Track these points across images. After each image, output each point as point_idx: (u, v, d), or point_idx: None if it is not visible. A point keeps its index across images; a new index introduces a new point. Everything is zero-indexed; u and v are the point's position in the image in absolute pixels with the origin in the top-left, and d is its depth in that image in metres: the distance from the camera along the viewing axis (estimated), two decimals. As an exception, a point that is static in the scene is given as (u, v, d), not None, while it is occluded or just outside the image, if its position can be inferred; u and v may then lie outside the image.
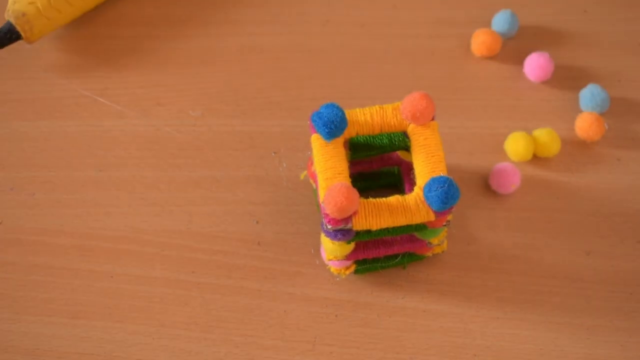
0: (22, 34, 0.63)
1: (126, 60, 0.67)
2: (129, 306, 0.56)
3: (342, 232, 0.51)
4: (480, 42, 0.65)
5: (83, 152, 0.63)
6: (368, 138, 0.55)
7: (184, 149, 0.63)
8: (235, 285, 0.57)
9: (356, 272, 0.57)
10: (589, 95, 0.63)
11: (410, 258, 0.57)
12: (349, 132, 0.54)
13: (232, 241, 0.59)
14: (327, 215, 0.51)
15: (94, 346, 0.55)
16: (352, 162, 0.55)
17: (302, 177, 0.60)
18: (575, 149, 0.62)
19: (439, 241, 0.55)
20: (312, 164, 0.57)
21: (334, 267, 0.56)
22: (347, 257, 0.55)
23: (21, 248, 0.59)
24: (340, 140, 0.53)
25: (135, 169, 0.62)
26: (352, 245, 0.54)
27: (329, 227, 0.51)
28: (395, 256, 0.56)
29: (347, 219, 0.51)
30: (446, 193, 0.50)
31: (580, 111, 0.63)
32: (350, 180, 0.52)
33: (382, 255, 0.55)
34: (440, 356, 0.54)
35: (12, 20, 0.63)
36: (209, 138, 0.63)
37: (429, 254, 0.57)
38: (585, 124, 0.62)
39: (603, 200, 0.60)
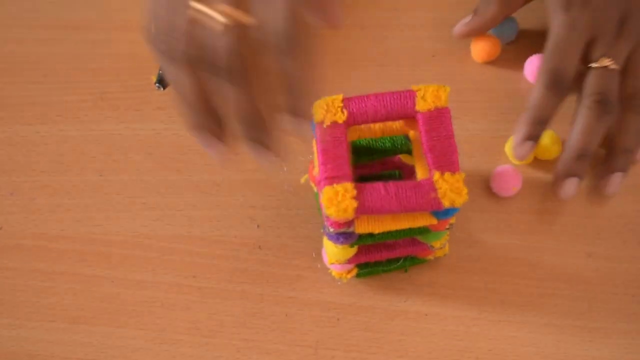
0: None
1: (125, 64, 0.66)
2: (130, 311, 0.56)
3: (344, 235, 0.51)
4: (480, 48, 0.65)
5: (83, 157, 0.62)
6: (370, 141, 0.55)
7: (184, 152, 0.62)
8: (236, 289, 0.57)
9: (358, 275, 0.56)
10: (590, 97, 0.63)
11: (412, 261, 0.56)
12: (351, 136, 0.54)
13: (233, 245, 0.58)
14: (329, 218, 0.50)
15: (95, 351, 0.55)
16: (354, 166, 0.55)
17: (302, 180, 0.60)
18: (576, 151, 0.62)
19: (440, 244, 0.55)
20: (313, 167, 0.57)
21: (335, 270, 0.56)
22: (349, 261, 0.54)
23: (21, 253, 0.58)
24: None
25: (135, 173, 0.62)
26: (354, 249, 0.53)
27: (332, 230, 0.51)
28: (397, 259, 0.56)
29: (350, 222, 0.51)
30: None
31: (581, 113, 0.63)
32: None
33: (384, 258, 0.55)
34: (442, 359, 0.54)
35: None
36: (209, 142, 0.63)
37: (431, 257, 0.57)
38: (586, 126, 0.61)
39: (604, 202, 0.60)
